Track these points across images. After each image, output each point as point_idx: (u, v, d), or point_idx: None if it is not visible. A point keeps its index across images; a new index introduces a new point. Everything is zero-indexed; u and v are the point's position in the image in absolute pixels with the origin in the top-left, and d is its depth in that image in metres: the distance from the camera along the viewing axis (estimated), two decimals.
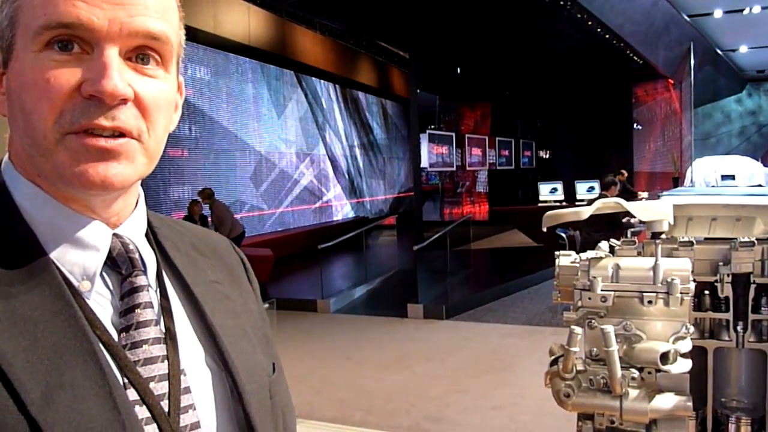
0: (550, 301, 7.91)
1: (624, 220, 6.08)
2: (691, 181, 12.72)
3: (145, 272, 0.63)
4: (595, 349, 1.22)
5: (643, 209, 1.20)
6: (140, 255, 0.63)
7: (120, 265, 0.61)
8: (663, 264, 1.19)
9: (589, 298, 1.21)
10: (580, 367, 1.20)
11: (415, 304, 7.38)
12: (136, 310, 0.60)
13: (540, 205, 11.82)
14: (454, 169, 13.25)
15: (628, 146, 15.11)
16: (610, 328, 1.12)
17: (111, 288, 0.61)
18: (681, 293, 1.16)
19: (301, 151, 12.74)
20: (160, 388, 0.59)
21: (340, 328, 7.23)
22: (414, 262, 8.50)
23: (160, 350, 0.60)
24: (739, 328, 1.27)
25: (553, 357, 1.28)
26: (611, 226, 5.64)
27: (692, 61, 13.24)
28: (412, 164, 12.89)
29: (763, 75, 19.14)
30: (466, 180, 14.64)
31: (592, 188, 11.36)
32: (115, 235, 0.62)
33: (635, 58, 12.36)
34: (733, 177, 12.53)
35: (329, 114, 13.76)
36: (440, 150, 12.50)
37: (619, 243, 1.35)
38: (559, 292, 1.36)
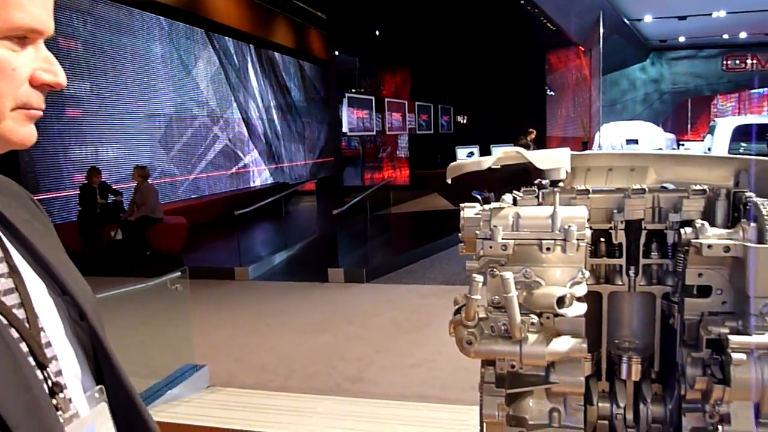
0: (466, 261, 8.17)
1: (536, 181, 6.30)
2: (599, 145, 13.39)
3: None
4: (496, 297, 1.23)
5: (541, 158, 1.22)
6: None
7: None
8: (560, 212, 1.21)
9: (491, 247, 1.22)
10: (482, 315, 1.21)
11: (335, 269, 7.37)
12: None
13: None
14: (375, 133, 13.20)
15: (541, 112, 15.61)
16: (509, 275, 1.13)
17: None
18: (577, 240, 1.19)
19: (214, 113, 12.22)
20: (20, 314, 0.65)
21: (260, 295, 7.12)
22: (334, 227, 8.46)
23: (10, 283, 0.66)
24: (631, 272, 1.33)
25: (456, 306, 1.28)
26: (524, 185, 5.83)
27: (601, 30, 13.75)
28: (331, 128, 12.73)
29: (666, 44, 20.29)
30: (387, 145, 14.66)
31: None
32: None
33: (549, 25, 12.68)
34: (636, 141, 13.31)
35: (243, 75, 13.23)
36: (360, 114, 12.40)
37: (521, 194, 1.36)
38: (464, 244, 1.36)
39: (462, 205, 1.36)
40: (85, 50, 9.04)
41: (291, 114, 15.15)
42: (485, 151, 12.33)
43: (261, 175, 14.07)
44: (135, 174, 8.56)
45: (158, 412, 3.77)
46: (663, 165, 1.39)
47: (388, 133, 13.71)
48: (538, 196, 1.32)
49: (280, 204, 9.34)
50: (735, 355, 1.04)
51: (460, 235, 1.34)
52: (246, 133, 13.33)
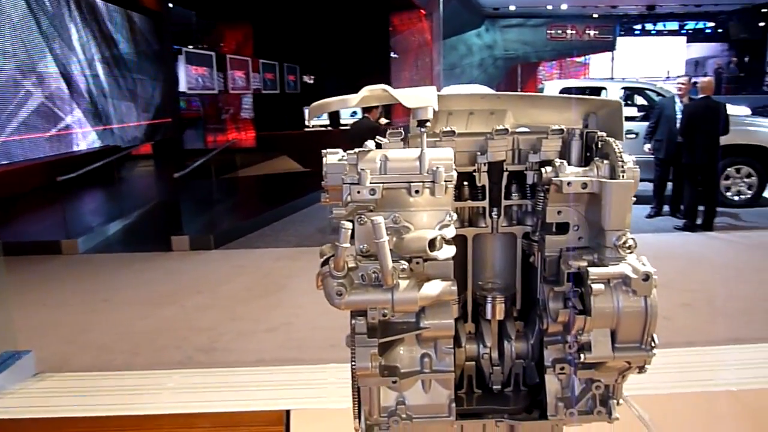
0: (320, 222, 8.15)
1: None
2: None
3: None
4: (365, 245, 1.17)
5: (408, 96, 1.16)
6: None
7: None
8: (428, 154, 1.17)
9: (358, 192, 1.15)
10: (351, 264, 1.14)
11: (179, 236, 6.93)
12: None
13: (306, 130, 11.88)
14: (216, 92, 12.46)
15: (386, 74, 15.80)
16: (380, 219, 1.07)
17: None
18: (445, 181, 1.15)
19: (24, 66, 10.63)
20: None
21: (93, 269, 6.47)
22: (176, 192, 7.92)
23: None
24: (493, 214, 1.34)
25: (323, 258, 1.20)
26: None
27: None
28: (167, 86, 11.78)
29: (498, 12, 21.64)
30: (230, 105, 13.95)
31: (354, 113, 11.74)
32: None
33: None
34: None
35: (59, 22, 11.63)
36: (200, 71, 11.61)
37: (385, 139, 1.30)
38: (327, 193, 1.27)
39: (324, 151, 1.26)
40: None
41: (120, 69, 13.67)
42: (334, 112, 12.27)
43: (86, 138, 12.62)
44: None
45: None
46: (521, 108, 1.41)
47: (231, 92, 13.03)
48: (404, 139, 1.27)
49: (111, 169, 8.50)
50: (595, 286, 1.09)
51: (323, 183, 1.25)
52: (66, 90, 11.81)
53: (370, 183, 1.15)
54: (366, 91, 1.17)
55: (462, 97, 1.37)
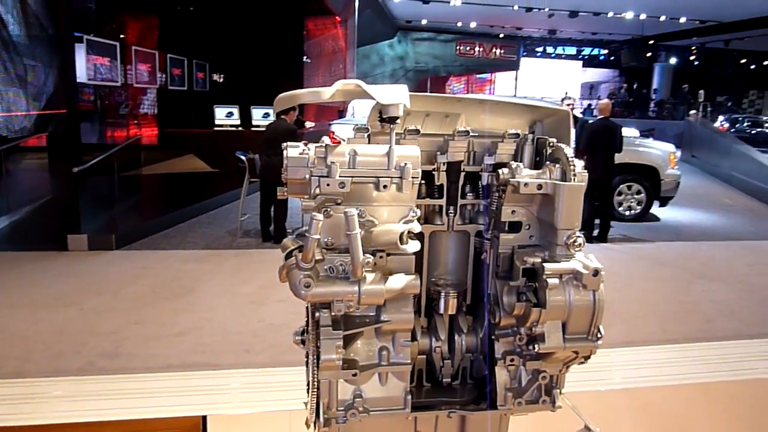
0: (229, 224, 7.92)
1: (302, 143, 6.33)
2: (353, 114, 14.10)
3: None
4: (330, 237, 1.17)
5: (383, 92, 1.17)
6: None
7: None
8: (396, 150, 1.20)
9: (328, 185, 1.15)
10: (318, 257, 1.14)
11: (77, 235, 6.49)
12: None
13: (216, 129, 11.53)
14: (119, 84, 11.77)
15: (298, 77, 15.70)
16: (353, 211, 1.08)
17: None
18: (412, 177, 1.19)
19: None
20: None
21: None
22: (74, 188, 7.39)
23: None
24: (450, 213, 1.38)
25: (288, 250, 1.19)
26: None
27: (356, 2, 14.32)
28: (64, 75, 10.96)
29: (411, 25, 22.21)
30: (134, 100, 13.23)
31: (267, 114, 11.55)
32: None
33: None
34: None
35: None
36: (102, 61, 10.92)
37: (342, 137, 1.31)
38: (286, 186, 1.26)
39: (285, 144, 1.26)
40: None
41: (8, 53, 12.56)
42: (245, 112, 12.00)
43: None
44: None
45: None
46: (474, 113, 1.47)
47: (135, 85, 12.37)
48: (369, 136, 1.29)
49: None
50: (550, 281, 1.16)
51: (283, 176, 1.24)
52: None
53: (340, 176, 1.16)
54: (340, 84, 1.18)
55: (422, 98, 1.40)
